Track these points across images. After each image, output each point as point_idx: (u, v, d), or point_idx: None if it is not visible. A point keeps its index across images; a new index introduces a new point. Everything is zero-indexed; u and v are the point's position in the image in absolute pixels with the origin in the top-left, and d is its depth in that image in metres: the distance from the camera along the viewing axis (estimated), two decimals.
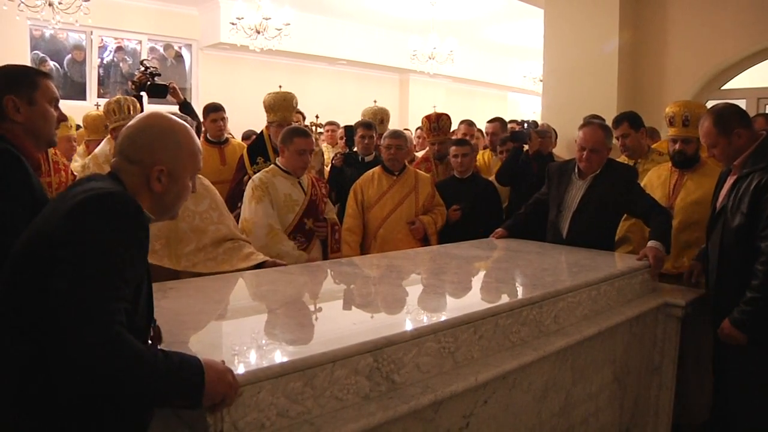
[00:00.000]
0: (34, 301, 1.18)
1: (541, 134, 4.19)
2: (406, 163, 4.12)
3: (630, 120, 3.72)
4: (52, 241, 1.21)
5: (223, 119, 4.75)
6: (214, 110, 4.74)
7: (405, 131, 5.19)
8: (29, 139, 1.82)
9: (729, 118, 2.60)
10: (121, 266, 1.21)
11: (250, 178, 3.59)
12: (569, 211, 3.21)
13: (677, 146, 3.30)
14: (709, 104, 3.62)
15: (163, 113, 1.53)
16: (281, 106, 4.05)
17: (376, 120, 5.14)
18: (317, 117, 4.41)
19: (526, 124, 4.20)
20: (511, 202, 4.29)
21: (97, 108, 4.78)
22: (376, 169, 4.05)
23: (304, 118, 6.05)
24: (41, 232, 1.27)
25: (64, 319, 1.11)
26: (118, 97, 4.00)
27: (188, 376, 1.20)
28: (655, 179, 3.46)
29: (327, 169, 4.89)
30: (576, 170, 3.24)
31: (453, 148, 4.22)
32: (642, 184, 3.44)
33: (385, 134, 4.16)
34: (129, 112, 3.86)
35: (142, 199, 1.41)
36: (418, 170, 4.14)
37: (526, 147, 4.26)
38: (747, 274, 2.50)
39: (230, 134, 5.34)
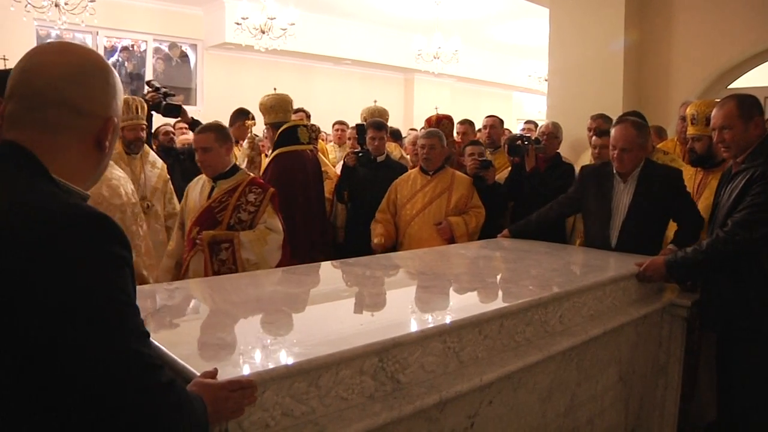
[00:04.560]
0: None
1: (540, 150, 4.18)
2: (446, 165, 4.04)
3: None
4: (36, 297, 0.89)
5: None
6: (248, 117, 4.68)
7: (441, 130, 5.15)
8: None
9: (752, 105, 2.62)
10: (127, 296, 0.97)
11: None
12: (617, 217, 3.07)
13: (688, 144, 3.29)
14: None
15: (77, 44, 1.15)
16: (281, 108, 4.12)
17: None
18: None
19: (526, 141, 4.15)
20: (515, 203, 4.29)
21: None
22: (414, 169, 4.07)
23: (308, 117, 6.06)
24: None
25: (98, 384, 0.91)
26: (126, 96, 4.00)
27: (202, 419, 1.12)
28: None
29: (338, 168, 4.88)
30: (616, 173, 3.11)
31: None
32: None
33: (420, 134, 4.10)
34: (137, 112, 3.87)
35: (81, 172, 1.03)
36: (457, 172, 4.03)
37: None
38: (738, 269, 2.54)
39: None
